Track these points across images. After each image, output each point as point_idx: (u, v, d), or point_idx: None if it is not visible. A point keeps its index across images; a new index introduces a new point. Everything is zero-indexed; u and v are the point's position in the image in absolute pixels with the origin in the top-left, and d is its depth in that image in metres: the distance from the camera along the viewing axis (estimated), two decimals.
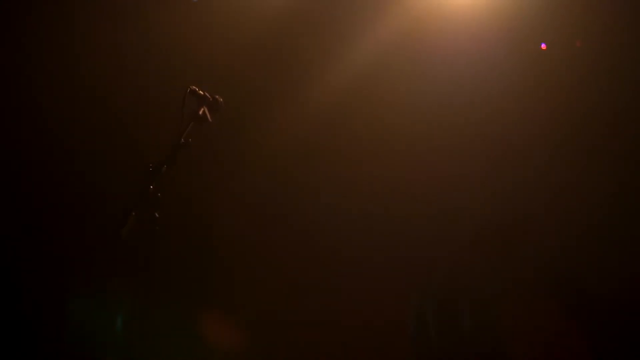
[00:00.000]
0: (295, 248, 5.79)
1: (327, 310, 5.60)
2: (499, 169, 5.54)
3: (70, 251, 5.60)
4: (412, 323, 5.35)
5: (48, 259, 5.55)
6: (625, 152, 5.44)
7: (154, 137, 4.97)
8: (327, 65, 5.81)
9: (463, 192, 5.57)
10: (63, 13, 5.57)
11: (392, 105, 5.81)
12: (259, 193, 5.90)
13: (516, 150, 5.57)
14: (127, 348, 4.82)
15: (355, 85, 5.79)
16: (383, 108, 5.84)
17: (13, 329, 5.36)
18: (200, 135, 3.52)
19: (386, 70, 5.78)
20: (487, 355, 5.04)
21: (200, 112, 3.58)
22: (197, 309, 5.69)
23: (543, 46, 5.62)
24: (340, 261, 5.69)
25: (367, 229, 5.71)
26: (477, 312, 5.14)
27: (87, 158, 5.67)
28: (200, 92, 3.61)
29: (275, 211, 5.89)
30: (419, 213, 5.59)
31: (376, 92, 5.85)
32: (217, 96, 3.67)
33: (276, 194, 5.89)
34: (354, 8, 5.76)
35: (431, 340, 5.23)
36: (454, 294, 5.25)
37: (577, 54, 5.53)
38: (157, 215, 3.36)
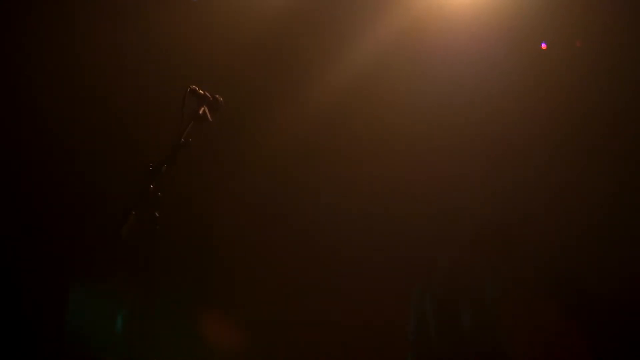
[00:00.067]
0: (295, 248, 5.79)
1: (327, 310, 5.60)
2: (499, 169, 5.53)
3: (70, 251, 5.60)
4: (412, 323, 5.35)
5: (48, 259, 5.54)
6: (625, 152, 5.43)
7: (154, 137, 4.97)
8: (327, 65, 5.81)
9: (463, 192, 5.57)
10: (63, 13, 5.57)
11: (392, 105, 5.80)
12: (259, 193, 5.90)
13: (516, 150, 5.56)
14: (127, 348, 4.82)
15: (355, 85, 5.79)
16: (383, 108, 5.84)
17: (13, 329, 5.36)
18: (200, 135, 3.52)
19: (386, 70, 5.78)
20: (487, 355, 5.03)
21: (200, 112, 3.58)
22: (197, 309, 5.70)
23: (543, 46, 5.61)
24: (340, 261, 5.69)
25: (367, 229, 5.71)
26: (477, 312, 5.13)
27: (87, 158, 5.67)
28: (201, 91, 3.61)
29: (275, 211, 5.90)
30: (419, 213, 5.59)
31: (376, 92, 5.85)
32: (217, 96, 3.67)
33: (276, 194, 5.89)
34: (353, 8, 5.76)
35: (431, 340, 5.22)
36: (454, 293, 5.24)
37: (577, 54, 5.53)
38: (157, 214, 3.36)
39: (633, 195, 5.38)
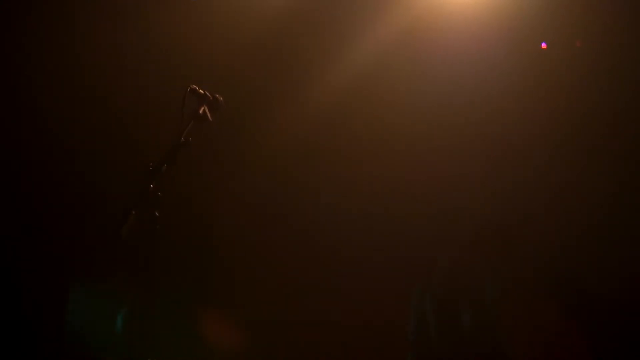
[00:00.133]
0: (295, 248, 5.79)
1: (327, 310, 5.60)
2: (499, 169, 5.53)
3: (70, 251, 5.60)
4: (412, 323, 5.35)
5: (48, 259, 5.54)
6: (625, 152, 5.43)
7: (154, 136, 4.97)
8: (327, 65, 5.81)
9: (463, 192, 5.57)
10: (63, 13, 5.57)
11: (392, 105, 5.80)
12: (259, 192, 5.90)
13: (516, 150, 5.56)
14: (127, 348, 4.82)
15: (355, 85, 5.79)
16: (383, 108, 5.84)
17: (13, 329, 5.36)
18: (200, 134, 3.52)
19: (386, 70, 5.78)
20: (487, 355, 5.03)
21: (201, 111, 3.57)
22: (197, 309, 5.70)
23: (543, 45, 5.61)
24: (340, 261, 5.69)
25: (367, 229, 5.71)
26: (477, 312, 5.13)
27: (87, 158, 5.67)
28: (201, 91, 3.61)
29: (275, 211, 5.90)
30: (419, 213, 5.59)
31: (376, 92, 5.85)
32: (217, 95, 3.67)
33: (276, 194, 5.89)
34: (353, 8, 5.76)
35: (431, 340, 5.22)
36: (454, 294, 5.24)
37: (577, 54, 5.53)
38: (157, 214, 3.35)
39: (633, 195, 5.38)
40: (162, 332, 3.70)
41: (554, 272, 5.27)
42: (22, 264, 5.46)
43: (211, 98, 3.64)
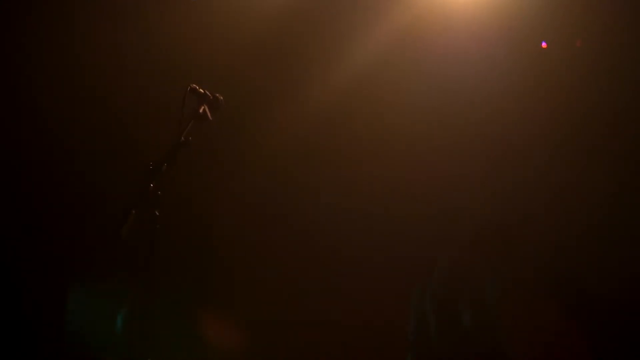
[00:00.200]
0: (295, 248, 5.79)
1: (327, 310, 5.60)
2: (499, 169, 5.53)
3: (70, 251, 5.61)
4: (412, 323, 5.35)
5: (48, 259, 5.55)
6: (625, 152, 5.43)
7: (154, 136, 4.97)
8: (327, 65, 5.81)
9: (463, 192, 5.57)
10: (63, 13, 5.57)
11: (392, 105, 5.81)
12: (259, 192, 5.90)
13: (516, 150, 5.56)
14: (127, 348, 4.82)
15: (355, 85, 5.79)
16: (383, 108, 5.84)
17: (13, 329, 5.36)
18: (200, 134, 3.52)
19: (386, 69, 5.78)
20: (487, 355, 5.04)
21: (201, 111, 3.57)
22: (197, 309, 5.70)
23: (544, 45, 5.62)
24: (340, 261, 5.69)
25: (367, 229, 5.71)
26: (477, 312, 5.13)
27: (87, 158, 5.67)
28: (201, 90, 3.61)
29: (275, 211, 5.90)
30: (419, 213, 5.59)
31: (376, 92, 5.85)
32: (217, 94, 3.67)
33: (276, 194, 5.89)
34: (354, 7, 5.76)
35: (431, 340, 5.22)
36: (454, 293, 5.24)
37: (577, 54, 5.54)
38: (157, 214, 3.35)
39: (633, 195, 5.38)
40: (162, 332, 3.70)
41: (554, 272, 5.27)
42: (22, 264, 5.46)
43: (211, 97, 3.64)
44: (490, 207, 5.53)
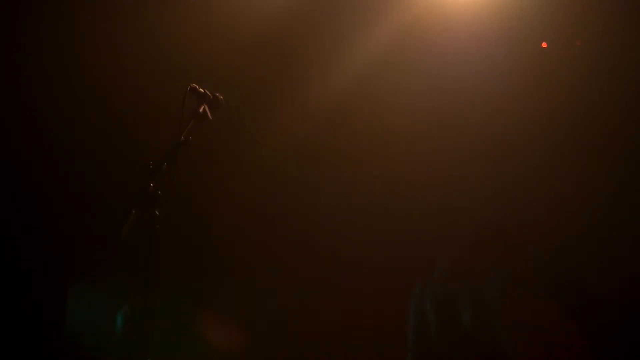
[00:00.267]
0: (295, 248, 5.79)
1: (327, 310, 5.60)
2: (499, 169, 5.53)
3: (70, 251, 5.60)
4: (412, 323, 5.35)
5: (48, 259, 5.54)
6: (625, 152, 5.44)
7: (154, 135, 4.97)
8: (328, 65, 5.81)
9: (463, 192, 5.57)
10: (63, 13, 5.57)
11: (392, 105, 5.81)
12: (259, 192, 5.90)
13: (516, 150, 5.56)
14: (127, 348, 4.82)
15: (355, 85, 5.79)
16: (383, 108, 5.84)
17: (13, 329, 5.36)
18: (200, 133, 3.52)
19: (386, 70, 5.78)
20: (487, 355, 5.03)
21: (201, 110, 3.57)
22: (197, 309, 5.70)
23: (544, 44, 5.62)
24: (340, 261, 5.69)
25: (367, 229, 5.71)
26: (477, 312, 5.13)
27: (87, 158, 5.67)
28: (201, 90, 3.61)
29: (275, 211, 5.90)
30: (419, 213, 5.59)
31: (376, 92, 5.85)
32: (217, 94, 3.67)
33: (276, 194, 5.89)
34: (354, 8, 5.76)
35: (431, 340, 5.22)
36: (454, 294, 5.24)
37: (577, 54, 5.54)
38: (157, 213, 3.35)
39: (633, 195, 5.38)
40: (162, 332, 3.70)
41: (554, 272, 5.27)
42: (22, 264, 5.46)
43: (211, 97, 3.64)
44: (490, 207, 5.53)
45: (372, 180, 5.77)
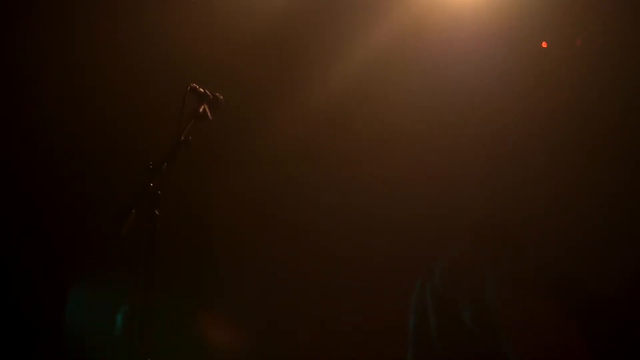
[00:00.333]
0: (295, 248, 5.79)
1: (327, 310, 5.60)
2: (499, 169, 5.54)
3: (70, 251, 5.61)
4: (412, 323, 5.35)
5: (48, 259, 5.54)
6: (626, 152, 5.44)
7: (154, 136, 4.96)
8: (328, 65, 5.81)
9: (463, 192, 5.57)
10: (63, 13, 5.57)
11: (392, 105, 5.81)
12: (259, 192, 5.90)
13: (516, 150, 5.57)
14: (127, 348, 4.82)
15: (355, 85, 5.80)
16: (383, 108, 5.84)
17: (13, 329, 5.36)
18: (200, 133, 3.52)
19: (386, 69, 5.78)
20: (487, 355, 5.03)
21: (201, 110, 3.57)
22: (197, 309, 5.70)
23: (544, 44, 5.62)
24: (340, 261, 5.69)
25: (367, 229, 5.71)
26: (477, 312, 5.13)
27: (88, 157, 5.67)
28: (201, 89, 3.61)
29: (275, 211, 5.90)
30: (419, 213, 5.59)
31: (376, 92, 5.85)
32: (217, 94, 3.67)
33: (276, 194, 5.89)
34: (354, 8, 5.75)
35: (431, 340, 5.22)
36: (454, 294, 5.24)
37: (577, 54, 5.54)
38: (157, 213, 3.35)
39: (633, 196, 5.38)
40: (162, 332, 3.70)
41: (554, 272, 5.27)
42: (22, 264, 5.46)
43: (211, 97, 3.63)
44: (490, 207, 5.53)
45: (372, 180, 5.77)
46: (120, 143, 5.67)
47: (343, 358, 5.60)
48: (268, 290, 5.78)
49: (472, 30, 5.55)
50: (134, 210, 3.20)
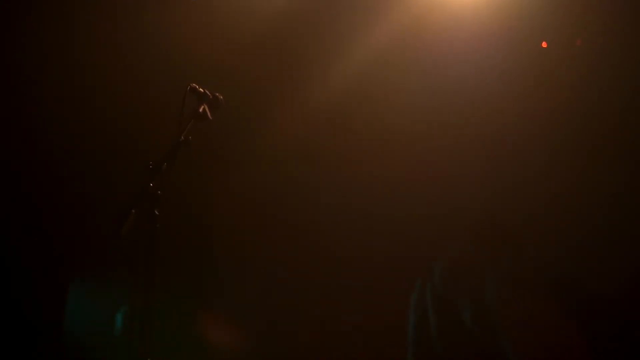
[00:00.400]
0: (295, 248, 5.79)
1: (327, 310, 5.60)
2: (499, 169, 5.54)
3: (70, 251, 5.60)
4: (412, 323, 5.35)
5: (48, 259, 5.54)
6: (626, 152, 5.44)
7: (154, 136, 4.97)
8: (328, 65, 5.81)
9: (463, 192, 5.57)
10: (63, 13, 5.57)
11: (392, 105, 5.81)
12: (259, 192, 5.90)
13: (516, 150, 5.57)
14: (127, 348, 4.82)
15: (355, 85, 5.80)
16: (383, 108, 5.84)
17: (13, 329, 5.36)
18: (200, 133, 3.52)
19: (386, 69, 5.78)
20: (487, 355, 5.03)
21: (201, 110, 3.57)
22: (197, 309, 5.70)
23: (544, 44, 5.62)
24: (340, 261, 5.69)
25: (367, 229, 5.71)
26: (477, 312, 5.13)
27: (88, 157, 5.67)
28: (201, 89, 3.61)
29: (275, 211, 5.90)
30: (419, 213, 5.59)
31: (376, 92, 5.85)
32: (217, 94, 3.67)
33: (276, 194, 5.89)
34: (354, 8, 5.76)
35: (431, 340, 5.22)
36: (454, 294, 5.24)
37: (577, 54, 5.54)
38: (157, 213, 3.35)
39: (633, 195, 5.38)
40: (162, 332, 3.70)
41: (554, 272, 5.27)
42: (22, 264, 5.46)
43: (211, 97, 3.64)
44: (490, 207, 5.53)
45: (372, 180, 5.78)
46: (120, 143, 5.67)
47: (343, 358, 5.60)
48: (268, 290, 5.78)
49: (472, 30, 5.56)
50: (134, 210, 3.20)
